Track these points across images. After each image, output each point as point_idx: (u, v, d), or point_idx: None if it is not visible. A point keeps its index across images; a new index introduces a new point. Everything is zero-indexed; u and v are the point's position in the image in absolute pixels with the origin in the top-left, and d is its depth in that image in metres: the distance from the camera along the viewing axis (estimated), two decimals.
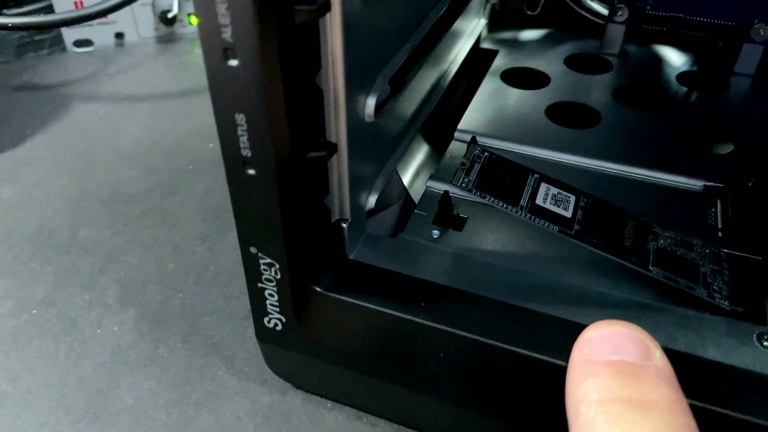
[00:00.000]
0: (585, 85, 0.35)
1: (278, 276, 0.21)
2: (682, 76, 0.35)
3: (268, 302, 0.22)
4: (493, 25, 0.40)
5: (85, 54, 0.54)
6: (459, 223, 0.25)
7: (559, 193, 0.25)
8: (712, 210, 0.26)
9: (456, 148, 0.30)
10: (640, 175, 0.28)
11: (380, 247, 0.24)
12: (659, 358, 0.16)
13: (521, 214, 0.24)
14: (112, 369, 0.27)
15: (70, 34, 0.53)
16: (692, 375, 0.19)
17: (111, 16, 0.50)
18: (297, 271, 0.21)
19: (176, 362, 0.27)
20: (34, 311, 0.30)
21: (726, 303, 0.21)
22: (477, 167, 0.26)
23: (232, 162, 0.18)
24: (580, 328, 0.20)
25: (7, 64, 0.52)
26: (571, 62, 0.37)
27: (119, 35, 0.54)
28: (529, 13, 0.41)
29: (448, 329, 0.20)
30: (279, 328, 0.23)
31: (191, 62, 0.52)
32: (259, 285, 0.22)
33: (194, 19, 0.55)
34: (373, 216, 0.25)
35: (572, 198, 0.24)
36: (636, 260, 0.22)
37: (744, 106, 0.33)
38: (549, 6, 0.41)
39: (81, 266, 0.33)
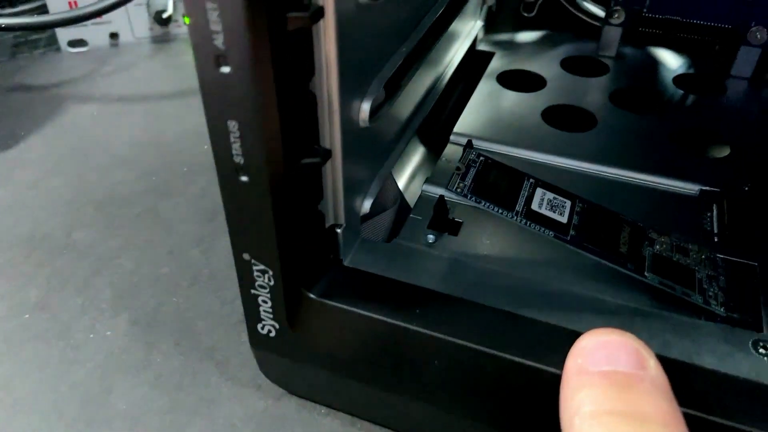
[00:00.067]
0: (581, 87, 0.35)
1: (272, 283, 0.21)
2: (679, 79, 0.35)
3: (261, 309, 0.22)
4: (490, 27, 0.40)
5: (79, 54, 0.53)
6: (454, 228, 0.25)
7: (554, 198, 0.24)
8: (708, 214, 0.26)
9: (452, 152, 0.29)
10: (636, 178, 0.28)
11: (375, 252, 0.24)
12: (653, 367, 0.16)
13: (517, 219, 0.23)
14: (105, 374, 0.27)
15: (64, 34, 0.53)
16: (687, 382, 0.19)
17: (105, 16, 0.49)
18: (290, 278, 0.21)
19: (170, 367, 0.27)
20: (27, 315, 0.30)
21: (722, 309, 0.21)
22: (472, 172, 0.25)
23: (225, 169, 0.18)
24: (575, 335, 0.20)
25: (1, 65, 0.52)
26: (567, 65, 0.37)
27: (114, 35, 0.54)
28: (526, 15, 0.41)
29: (442, 336, 0.20)
30: (272, 334, 0.23)
31: (186, 63, 0.52)
32: (253, 291, 0.22)
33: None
34: (368, 221, 0.25)
35: (568, 203, 0.24)
36: (631, 266, 0.22)
37: (740, 109, 0.33)
38: (545, 8, 0.41)
39: (74, 269, 0.32)
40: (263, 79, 0.16)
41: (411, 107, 0.29)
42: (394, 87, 0.24)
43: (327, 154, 0.20)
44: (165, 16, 0.53)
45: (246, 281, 0.21)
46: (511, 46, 0.39)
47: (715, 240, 0.24)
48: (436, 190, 0.27)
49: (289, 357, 0.24)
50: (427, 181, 0.27)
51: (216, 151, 0.18)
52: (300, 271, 0.21)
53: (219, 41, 0.15)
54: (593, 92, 0.34)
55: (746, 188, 0.27)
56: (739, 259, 0.23)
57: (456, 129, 0.31)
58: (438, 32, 0.30)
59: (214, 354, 0.28)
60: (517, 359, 0.19)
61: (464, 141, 0.29)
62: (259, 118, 0.17)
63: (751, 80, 0.35)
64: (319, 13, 0.17)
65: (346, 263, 0.23)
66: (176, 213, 0.36)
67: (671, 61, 0.37)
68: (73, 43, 0.53)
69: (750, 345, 0.20)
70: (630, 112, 0.32)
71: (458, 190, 0.24)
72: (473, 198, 0.24)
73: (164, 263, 0.33)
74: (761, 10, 0.34)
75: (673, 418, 0.15)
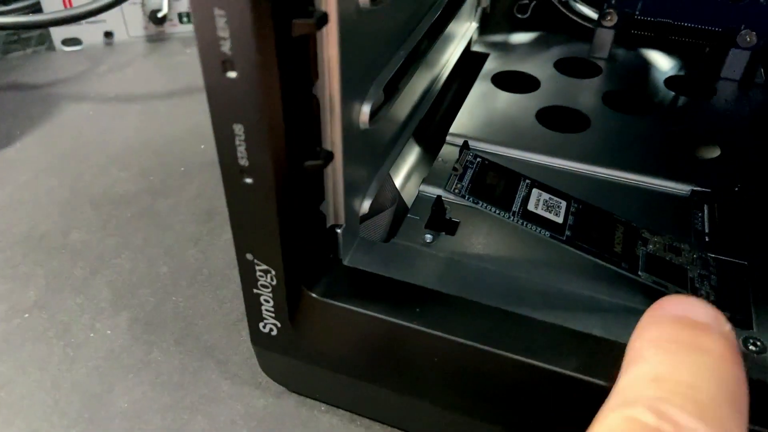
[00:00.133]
0: (574, 89, 0.35)
1: (274, 282, 0.21)
2: (670, 81, 0.36)
3: (263, 308, 0.22)
4: (484, 28, 0.41)
5: (73, 53, 0.53)
6: (451, 228, 0.26)
7: (550, 198, 0.25)
8: (699, 214, 0.26)
9: (448, 152, 0.30)
10: (628, 179, 0.28)
11: (373, 252, 0.24)
12: (728, 328, 0.15)
13: (513, 219, 0.24)
14: (105, 373, 0.27)
15: (58, 33, 0.53)
16: None
17: (100, 15, 0.49)
18: (292, 278, 0.21)
19: (170, 366, 0.28)
20: (26, 315, 0.30)
21: None
22: (469, 173, 0.26)
23: (230, 171, 0.18)
24: (571, 332, 0.21)
25: None
26: (560, 66, 0.37)
27: (108, 34, 0.54)
28: (519, 16, 0.42)
29: (442, 335, 0.21)
30: (274, 333, 0.23)
31: (181, 62, 0.52)
32: (255, 291, 0.22)
33: (185, 19, 0.55)
34: (367, 221, 0.26)
35: (563, 203, 0.25)
36: (626, 265, 0.23)
37: (730, 111, 0.34)
38: (539, 9, 0.41)
39: (73, 269, 0.33)
40: (269, 84, 0.16)
41: (408, 109, 0.29)
42: (392, 89, 0.25)
43: (329, 157, 0.20)
44: (160, 15, 0.53)
45: (248, 281, 0.22)
46: (505, 48, 0.39)
47: (706, 239, 0.25)
48: (434, 191, 0.27)
49: (290, 355, 0.24)
50: (424, 181, 0.28)
51: (221, 154, 0.18)
52: (301, 271, 0.22)
53: (226, 47, 0.16)
54: (586, 94, 0.35)
55: (736, 189, 0.27)
56: (729, 259, 0.24)
57: (452, 130, 0.31)
58: (435, 35, 0.30)
59: (214, 352, 0.28)
60: (515, 357, 0.20)
61: (460, 142, 0.30)
62: (264, 122, 0.17)
63: (740, 82, 0.36)
64: (324, 19, 0.17)
65: (345, 263, 0.24)
66: (173, 212, 0.36)
67: (663, 63, 0.38)
68: (67, 42, 0.53)
69: (741, 342, 0.21)
70: (622, 113, 0.33)
71: (456, 190, 0.25)
72: (471, 198, 0.24)
73: (162, 262, 0.33)
74: (751, 14, 0.35)
75: (734, 357, 0.14)
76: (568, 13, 0.40)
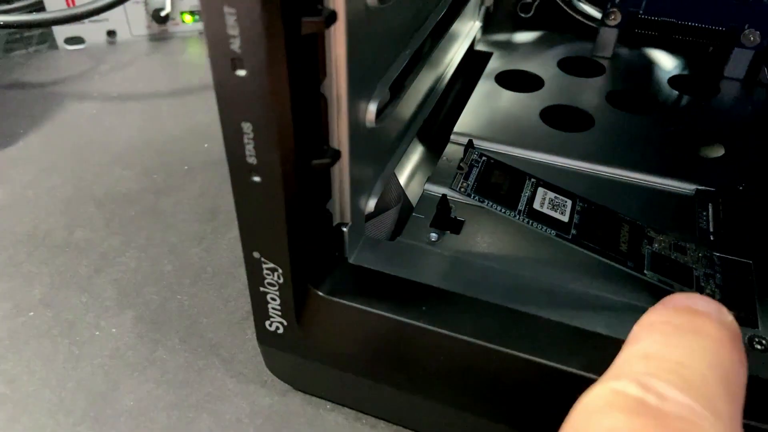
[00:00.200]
0: (578, 88, 0.35)
1: (281, 280, 0.21)
2: (674, 80, 0.36)
3: (269, 306, 0.23)
4: (487, 27, 0.41)
5: (76, 52, 0.53)
6: (456, 227, 0.26)
7: (556, 197, 0.25)
8: (704, 213, 0.26)
9: (452, 151, 0.30)
10: (632, 178, 0.28)
11: (379, 250, 0.24)
12: (730, 320, 0.15)
13: (519, 218, 0.24)
14: (111, 371, 0.27)
15: (61, 32, 0.53)
16: None
17: (103, 14, 0.49)
18: (299, 276, 0.21)
19: (175, 364, 0.28)
20: (31, 313, 0.30)
21: None
22: (475, 172, 0.26)
23: (238, 169, 0.18)
24: (576, 331, 0.21)
25: None
26: (564, 65, 0.37)
27: (111, 33, 0.54)
28: (523, 15, 0.42)
29: (448, 333, 0.21)
30: (280, 331, 0.23)
31: (184, 61, 0.52)
32: (261, 289, 0.22)
33: (187, 18, 0.55)
34: (372, 219, 0.26)
35: (569, 202, 0.25)
36: (631, 264, 0.23)
37: (734, 110, 0.34)
38: (542, 9, 0.41)
39: (77, 267, 0.33)
40: (278, 82, 0.16)
41: (413, 108, 0.29)
42: (398, 88, 0.25)
43: (336, 155, 0.20)
44: (163, 14, 0.53)
45: (255, 279, 0.22)
46: (508, 47, 0.39)
47: (711, 238, 0.25)
48: (439, 190, 0.27)
49: (296, 353, 0.24)
50: (429, 180, 0.28)
51: (229, 152, 0.18)
52: (308, 269, 0.22)
53: (236, 45, 0.16)
54: (590, 93, 0.35)
55: (740, 188, 0.27)
56: (734, 257, 0.24)
57: (456, 129, 0.31)
58: (439, 34, 0.30)
59: (219, 351, 0.28)
60: (521, 354, 0.20)
61: (464, 140, 0.30)
62: (272, 120, 0.17)
63: (744, 81, 0.36)
64: (332, 17, 0.17)
65: (350, 261, 0.24)
66: (177, 211, 0.36)
67: (666, 62, 0.38)
68: (69, 41, 0.53)
69: (746, 340, 0.21)
70: (626, 112, 0.33)
71: (462, 189, 0.25)
72: (476, 197, 0.25)
73: (167, 261, 0.33)
74: (754, 13, 0.35)
75: (732, 343, 0.14)
76: (571, 12, 0.40)
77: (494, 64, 0.37)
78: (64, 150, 0.42)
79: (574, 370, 0.19)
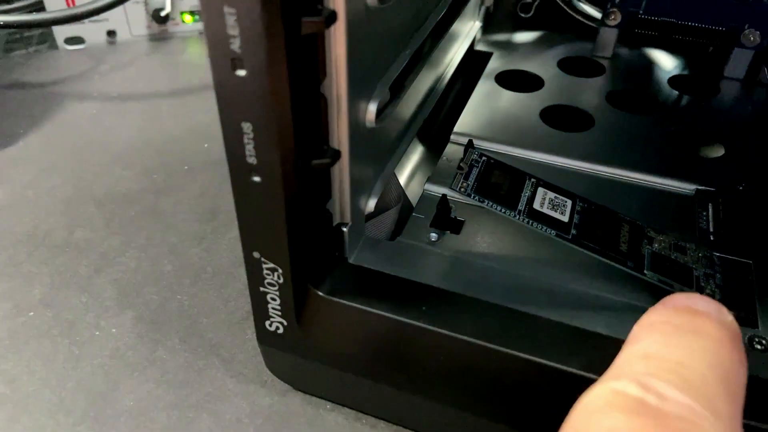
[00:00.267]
0: (578, 88, 0.35)
1: (281, 280, 0.21)
2: (674, 80, 0.36)
3: (269, 306, 0.23)
4: (487, 27, 0.41)
5: (76, 52, 0.53)
6: (456, 227, 0.26)
7: (556, 197, 0.25)
8: (704, 213, 0.26)
9: (452, 151, 0.30)
10: (632, 178, 0.28)
11: (379, 251, 0.24)
12: (730, 320, 0.15)
13: (519, 218, 0.24)
14: (111, 371, 0.27)
15: (61, 31, 0.53)
16: None
17: (103, 14, 0.49)
18: (299, 276, 0.21)
19: (175, 364, 0.28)
20: (31, 313, 0.30)
21: None
22: (475, 172, 0.26)
23: (238, 169, 0.18)
24: (577, 331, 0.21)
25: None
26: (564, 65, 0.37)
27: (111, 33, 0.54)
28: (523, 15, 0.42)
29: (448, 333, 0.21)
30: (280, 331, 0.23)
31: (184, 61, 0.52)
32: (262, 289, 0.22)
33: (187, 18, 0.55)
34: (372, 219, 0.26)
35: (569, 202, 0.25)
36: (631, 264, 0.23)
37: (734, 110, 0.34)
38: (542, 9, 0.41)
39: (77, 267, 0.33)
40: (278, 82, 0.16)
41: (413, 107, 0.29)
42: (398, 88, 0.25)
43: (336, 155, 0.20)
44: (163, 14, 0.53)
45: (255, 279, 0.22)
46: (508, 47, 0.39)
47: (711, 238, 0.25)
48: (439, 190, 0.27)
49: (296, 353, 0.24)
50: (429, 180, 0.28)
51: (229, 152, 0.18)
52: (308, 269, 0.22)
53: (236, 45, 0.16)
54: (590, 93, 0.35)
55: (740, 188, 0.27)
56: (734, 257, 0.24)
57: (456, 129, 0.31)
58: (439, 34, 0.30)
59: (219, 351, 0.28)
60: (520, 354, 0.20)
61: (464, 140, 0.30)
62: (273, 120, 0.17)
63: (743, 81, 0.36)
64: (332, 17, 0.17)
65: (350, 261, 0.24)
66: (177, 211, 0.36)
67: (666, 62, 0.38)
68: (70, 41, 0.53)
69: (746, 341, 0.21)
70: (626, 112, 0.33)
71: (462, 189, 0.25)
72: (477, 197, 0.25)
73: (167, 261, 0.33)
74: (754, 13, 0.35)
75: (732, 343, 0.14)
76: (571, 12, 0.40)
77: (494, 64, 0.37)
78: (64, 150, 0.42)
79: (574, 370, 0.19)
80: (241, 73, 0.16)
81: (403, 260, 0.24)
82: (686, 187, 0.28)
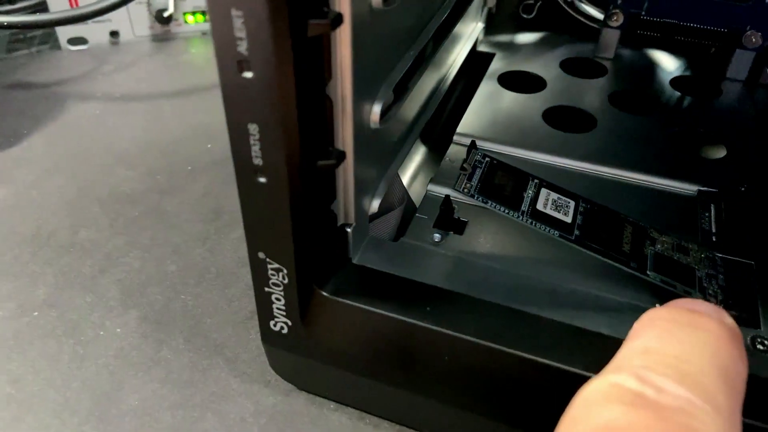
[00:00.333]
0: (580, 89, 0.35)
1: (286, 281, 0.21)
2: (676, 81, 0.36)
3: (274, 306, 0.23)
4: (489, 28, 0.41)
5: (79, 52, 0.53)
6: (460, 227, 0.26)
7: (559, 198, 0.25)
8: (706, 214, 0.26)
9: (455, 152, 0.30)
10: (634, 179, 0.28)
11: (382, 251, 0.25)
12: (731, 321, 0.15)
13: (523, 219, 0.24)
14: (115, 371, 0.27)
15: (64, 32, 0.53)
16: None
17: (106, 14, 0.49)
18: (304, 276, 0.21)
19: (180, 364, 0.28)
20: (36, 313, 0.30)
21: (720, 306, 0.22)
22: (478, 173, 0.26)
23: (244, 170, 0.19)
24: (579, 331, 0.21)
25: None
26: (566, 66, 0.37)
27: (114, 33, 0.54)
28: (525, 16, 0.42)
29: (452, 333, 0.21)
30: (285, 331, 0.23)
31: (187, 61, 0.52)
32: (266, 289, 0.22)
33: (190, 18, 0.55)
34: (376, 220, 0.26)
35: (572, 203, 0.25)
36: (634, 265, 0.23)
37: (736, 111, 0.34)
38: (544, 10, 0.41)
39: (81, 268, 0.33)
40: (284, 84, 0.16)
41: (417, 109, 0.29)
42: (402, 89, 0.25)
43: (341, 156, 0.20)
44: (166, 14, 0.53)
45: (260, 279, 0.22)
46: (511, 48, 0.39)
47: (713, 239, 0.25)
48: (442, 190, 0.27)
49: (300, 353, 0.24)
50: (432, 181, 0.28)
51: (235, 154, 0.18)
52: (313, 270, 0.22)
53: (243, 47, 0.16)
54: (592, 94, 0.35)
55: (742, 189, 0.27)
56: (736, 258, 0.24)
57: (459, 129, 0.31)
58: (443, 35, 0.30)
59: (223, 350, 0.28)
60: (524, 355, 0.20)
61: (466, 141, 0.30)
62: (279, 122, 0.17)
63: (745, 83, 0.36)
64: (338, 19, 0.17)
65: (354, 261, 0.24)
66: (181, 211, 0.37)
67: (668, 63, 0.38)
68: (73, 41, 0.53)
69: (748, 341, 0.21)
70: (628, 113, 0.33)
71: (465, 190, 0.25)
72: (480, 198, 0.25)
73: (170, 261, 0.33)
74: (756, 15, 0.35)
75: (733, 337, 0.14)
76: (573, 14, 0.40)
77: (497, 65, 0.37)
78: (68, 150, 0.42)
79: (577, 371, 0.20)
80: (248, 75, 0.16)
81: (407, 261, 0.24)
82: (688, 188, 0.28)
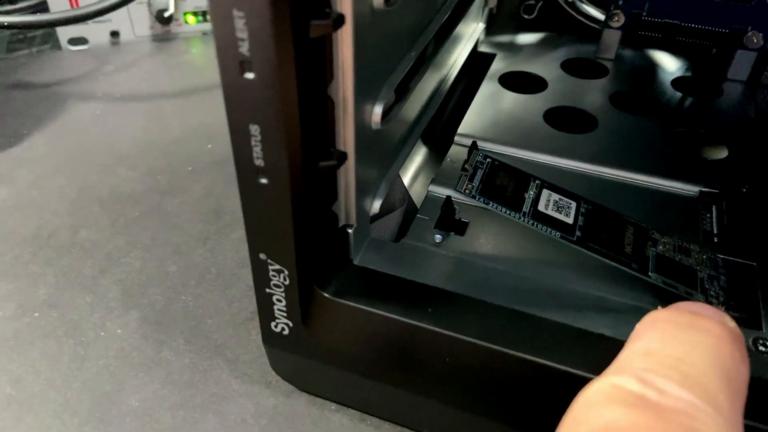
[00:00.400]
0: (582, 89, 0.35)
1: (287, 282, 0.21)
2: (677, 82, 0.36)
3: (275, 307, 0.23)
4: (490, 29, 0.41)
5: (79, 52, 0.53)
6: (461, 228, 0.26)
7: (560, 199, 0.25)
8: (708, 215, 0.26)
9: (456, 153, 0.30)
10: (636, 180, 0.28)
11: (384, 252, 0.25)
12: (733, 325, 0.15)
13: (524, 220, 0.24)
14: (116, 371, 0.27)
15: (64, 32, 0.53)
16: None
17: (106, 14, 0.49)
18: (305, 277, 0.21)
19: (180, 365, 0.28)
20: (36, 314, 0.30)
21: (722, 308, 0.22)
22: (480, 173, 0.26)
23: (245, 171, 0.19)
24: (581, 333, 0.21)
25: (0, 62, 0.52)
26: (567, 66, 0.37)
27: (114, 33, 0.54)
28: (526, 17, 0.42)
29: (453, 334, 0.21)
30: (286, 332, 0.23)
31: (188, 61, 0.52)
32: (267, 291, 0.22)
33: (191, 18, 0.55)
34: (377, 221, 0.26)
35: (573, 204, 0.25)
36: (636, 266, 0.23)
37: (737, 112, 0.34)
38: (545, 10, 0.41)
39: (82, 268, 0.33)
40: (286, 85, 0.16)
41: (418, 109, 0.29)
42: (403, 90, 0.25)
43: (342, 157, 0.20)
44: (166, 14, 0.53)
45: (261, 280, 0.22)
46: (512, 48, 0.39)
47: (715, 240, 0.25)
48: (443, 191, 0.27)
49: (301, 354, 0.24)
50: (434, 181, 0.28)
51: (237, 155, 0.18)
52: (314, 271, 0.22)
53: (244, 48, 0.16)
54: (593, 94, 0.35)
55: (744, 189, 0.27)
56: (738, 259, 0.24)
57: (460, 130, 0.31)
58: (444, 35, 0.30)
59: (224, 351, 0.28)
60: (525, 356, 0.20)
61: (467, 142, 0.30)
62: (280, 123, 0.17)
63: (747, 83, 0.36)
64: (340, 20, 0.17)
65: (355, 262, 0.24)
66: (181, 212, 0.36)
67: (669, 64, 0.38)
68: (73, 41, 0.53)
69: (750, 342, 0.21)
70: (630, 114, 0.33)
71: (466, 191, 0.25)
72: (481, 199, 0.25)
73: (171, 262, 0.33)
74: (757, 16, 0.35)
75: (735, 340, 0.14)
76: (574, 14, 0.40)
77: (498, 66, 0.37)
78: (69, 150, 0.42)
79: (579, 372, 0.19)
80: (250, 76, 0.16)
81: (408, 262, 0.24)
82: (690, 189, 0.28)
